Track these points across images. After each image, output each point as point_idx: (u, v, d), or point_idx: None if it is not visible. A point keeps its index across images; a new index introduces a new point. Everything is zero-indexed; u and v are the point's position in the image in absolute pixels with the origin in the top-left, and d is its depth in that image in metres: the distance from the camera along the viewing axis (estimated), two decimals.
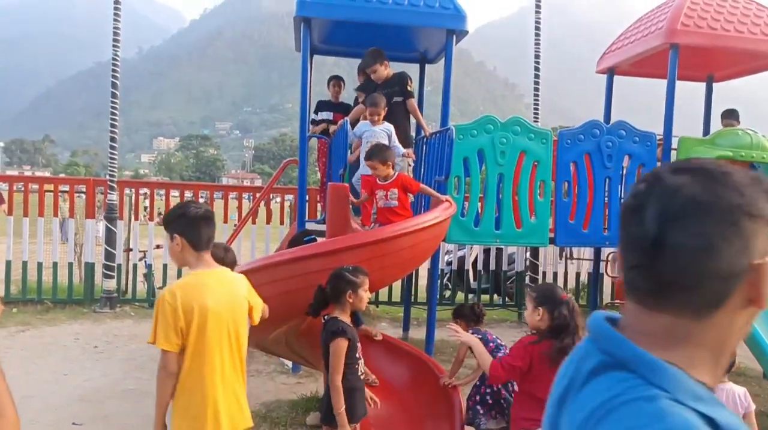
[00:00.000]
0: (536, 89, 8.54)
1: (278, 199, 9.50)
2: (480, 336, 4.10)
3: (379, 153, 4.36)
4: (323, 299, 3.30)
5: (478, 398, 4.24)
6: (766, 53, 6.14)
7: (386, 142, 5.09)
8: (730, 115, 6.76)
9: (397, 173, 4.42)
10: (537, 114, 8.45)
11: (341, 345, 3.17)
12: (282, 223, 8.89)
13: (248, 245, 8.62)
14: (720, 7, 6.02)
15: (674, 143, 6.14)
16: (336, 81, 7.43)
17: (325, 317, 3.37)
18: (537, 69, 8.40)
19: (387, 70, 5.77)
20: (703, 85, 7.71)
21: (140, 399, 5.16)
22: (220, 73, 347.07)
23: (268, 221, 8.55)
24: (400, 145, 5.07)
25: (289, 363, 5.83)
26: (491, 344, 4.22)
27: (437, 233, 4.19)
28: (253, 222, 8.18)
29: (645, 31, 6.40)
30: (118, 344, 6.95)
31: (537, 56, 8.40)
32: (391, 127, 5.15)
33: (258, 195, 7.94)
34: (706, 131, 7.26)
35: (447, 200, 4.52)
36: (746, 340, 5.02)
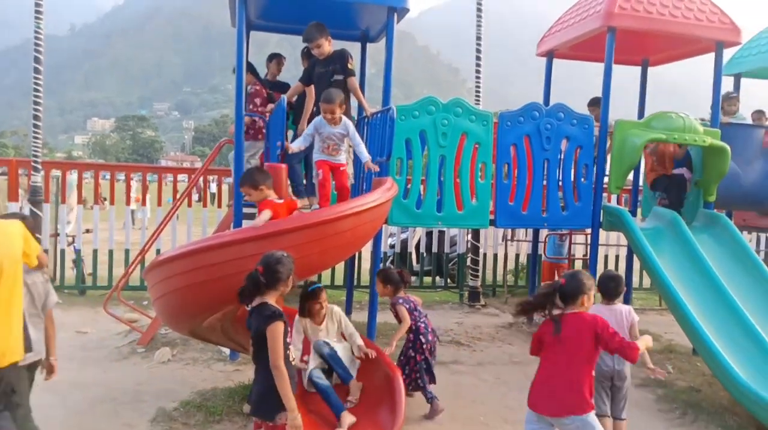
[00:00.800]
0: (478, 73, 8.52)
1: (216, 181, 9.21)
2: (407, 305, 4.79)
3: (247, 179, 4.21)
4: (259, 284, 3.14)
5: (417, 367, 4.75)
6: (699, 37, 6.29)
7: (343, 146, 4.94)
8: (596, 103, 6.88)
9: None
10: (479, 97, 8.45)
11: (280, 328, 3.08)
12: (220, 206, 8.63)
13: (184, 229, 8.33)
14: None
15: (611, 126, 6.24)
16: (276, 59, 7.21)
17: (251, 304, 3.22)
18: (479, 52, 8.38)
19: (330, 46, 5.62)
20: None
21: (67, 391, 4.90)
22: (158, 52, 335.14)
23: (205, 204, 8.29)
24: (364, 151, 4.84)
25: (227, 350, 5.67)
26: (415, 313, 4.82)
27: (378, 214, 4.11)
28: (189, 205, 7.89)
29: (583, 14, 6.45)
30: None
31: (478, 38, 8.39)
32: (349, 123, 4.92)
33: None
34: (641, 115, 7.42)
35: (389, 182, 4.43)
36: (676, 317, 5.18)
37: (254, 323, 3.15)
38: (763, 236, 10.15)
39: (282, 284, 3.16)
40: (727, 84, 7.45)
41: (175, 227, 8.04)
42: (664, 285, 5.31)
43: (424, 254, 9.74)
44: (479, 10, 8.40)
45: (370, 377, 4.48)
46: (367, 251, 7.38)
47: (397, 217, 5.72)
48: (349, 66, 5.60)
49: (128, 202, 13.39)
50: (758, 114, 7.73)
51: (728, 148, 6.07)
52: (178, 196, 7.67)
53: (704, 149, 6.19)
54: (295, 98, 6.03)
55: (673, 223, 6.04)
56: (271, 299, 3.15)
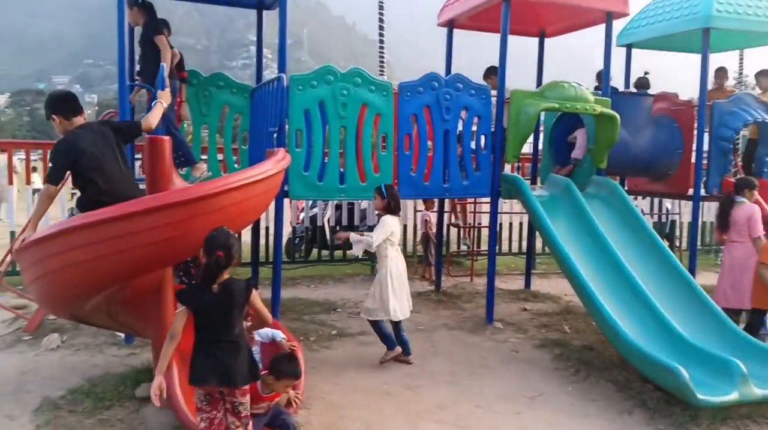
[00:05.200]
0: (381, 42, 8.46)
1: None
2: None
3: None
4: (222, 267, 3.12)
5: None
6: (589, 8, 6.48)
7: None
8: (493, 72, 7.03)
9: None
10: (383, 67, 8.39)
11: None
12: (28, 183, 8.22)
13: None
14: None
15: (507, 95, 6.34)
16: None
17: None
18: (381, 21, 8.31)
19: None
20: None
21: None
22: (55, 21, 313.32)
23: None
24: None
25: (121, 334, 5.41)
26: None
27: (269, 186, 3.97)
28: None
29: None
30: None
31: (381, 6, 8.30)
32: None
33: None
34: (539, 84, 7.59)
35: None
36: (569, 280, 5.39)
37: (234, 297, 3.14)
38: (656, 200, 10.72)
39: (235, 261, 3.20)
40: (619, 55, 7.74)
41: (64, 206, 7.58)
42: (557, 250, 5.51)
43: (336, 228, 9.66)
44: None
45: (270, 352, 4.37)
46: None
47: (299, 190, 5.62)
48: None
49: (28, 182, 12.53)
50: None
51: (617, 116, 6.32)
52: None
53: (596, 118, 6.41)
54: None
55: (567, 189, 6.25)
56: (227, 275, 3.17)
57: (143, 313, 4.01)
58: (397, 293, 5.04)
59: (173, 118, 5.73)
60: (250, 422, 3.30)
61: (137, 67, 6.12)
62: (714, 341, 4.92)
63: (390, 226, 5.05)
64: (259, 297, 3.29)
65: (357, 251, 5.30)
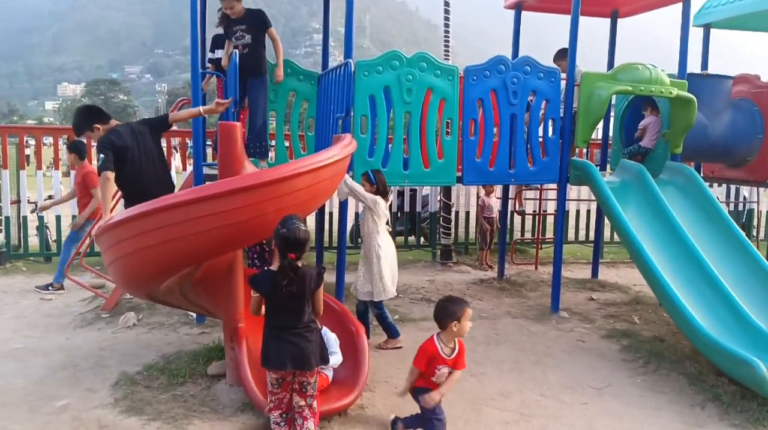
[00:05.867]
0: (447, 27, 8.36)
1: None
2: None
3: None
4: (298, 268, 3.22)
5: None
6: None
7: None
8: (563, 56, 6.75)
9: None
10: (448, 52, 8.29)
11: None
12: (185, 169, 8.47)
13: None
14: None
15: (578, 79, 6.16)
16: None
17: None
18: (447, 5, 8.20)
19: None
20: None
21: (28, 358, 4.84)
22: (127, 13, 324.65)
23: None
24: None
25: (193, 314, 5.61)
26: None
27: (336, 171, 4.01)
28: None
29: None
30: (7, 301, 6.49)
31: None
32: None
33: None
34: (610, 67, 7.34)
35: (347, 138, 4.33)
36: (640, 269, 5.22)
37: (307, 283, 3.23)
38: (732, 187, 10.24)
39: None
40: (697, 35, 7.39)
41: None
42: (629, 238, 5.33)
43: (398, 215, 9.69)
44: None
45: (336, 336, 4.44)
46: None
47: None
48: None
49: (39, 167, 13.07)
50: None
51: (695, 99, 6.04)
52: None
53: (671, 101, 6.15)
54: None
55: (640, 176, 6.04)
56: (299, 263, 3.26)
57: (214, 294, 4.14)
58: (389, 272, 5.01)
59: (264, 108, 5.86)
60: (315, 401, 3.36)
61: (208, 55, 6.27)
62: None
63: (378, 200, 5.02)
64: (322, 286, 3.33)
65: (341, 196, 5.14)
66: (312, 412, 3.35)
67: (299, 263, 3.21)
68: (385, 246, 5.04)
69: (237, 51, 5.52)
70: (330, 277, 6.35)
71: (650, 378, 4.74)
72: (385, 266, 5.00)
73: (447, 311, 3.39)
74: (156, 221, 3.39)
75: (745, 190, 10.36)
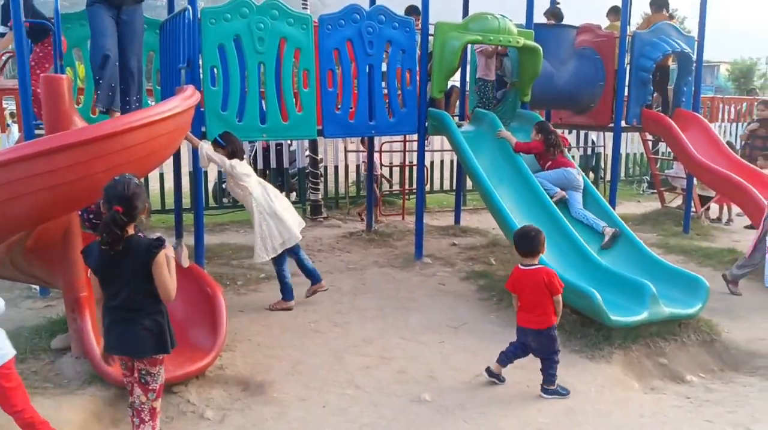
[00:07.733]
0: None
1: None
2: None
3: None
4: (122, 224, 2.74)
5: None
6: None
7: None
8: (414, 11, 6.89)
9: None
10: (305, 2, 8.05)
11: (163, 258, 2.80)
12: (3, 131, 7.77)
13: None
14: None
15: (431, 29, 6.22)
16: None
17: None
18: None
19: None
20: None
21: None
22: None
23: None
24: None
25: (36, 287, 5.19)
26: None
27: (177, 125, 3.77)
28: None
29: None
30: None
31: None
32: None
33: None
34: (465, 15, 7.48)
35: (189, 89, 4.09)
36: (492, 212, 5.44)
37: (135, 257, 2.79)
38: (582, 133, 10.95)
39: (142, 213, 2.84)
40: None
41: None
42: (481, 184, 5.54)
43: (267, 171, 9.46)
44: None
45: (192, 298, 4.29)
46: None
47: (217, 130, 5.39)
48: None
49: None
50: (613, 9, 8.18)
51: (540, 48, 6.31)
52: None
53: (519, 50, 6.39)
54: None
55: (492, 124, 6.26)
56: (131, 230, 2.82)
57: (49, 263, 3.84)
58: (278, 222, 4.88)
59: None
60: (158, 401, 3.01)
61: None
62: (628, 265, 5.13)
63: (234, 164, 4.84)
64: (166, 264, 2.81)
65: (203, 163, 4.96)
66: (152, 414, 2.98)
67: (131, 229, 2.82)
68: (262, 202, 4.85)
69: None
70: (190, 239, 6.12)
71: (503, 314, 5.02)
72: (267, 223, 4.83)
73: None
74: None
75: (593, 135, 11.12)
